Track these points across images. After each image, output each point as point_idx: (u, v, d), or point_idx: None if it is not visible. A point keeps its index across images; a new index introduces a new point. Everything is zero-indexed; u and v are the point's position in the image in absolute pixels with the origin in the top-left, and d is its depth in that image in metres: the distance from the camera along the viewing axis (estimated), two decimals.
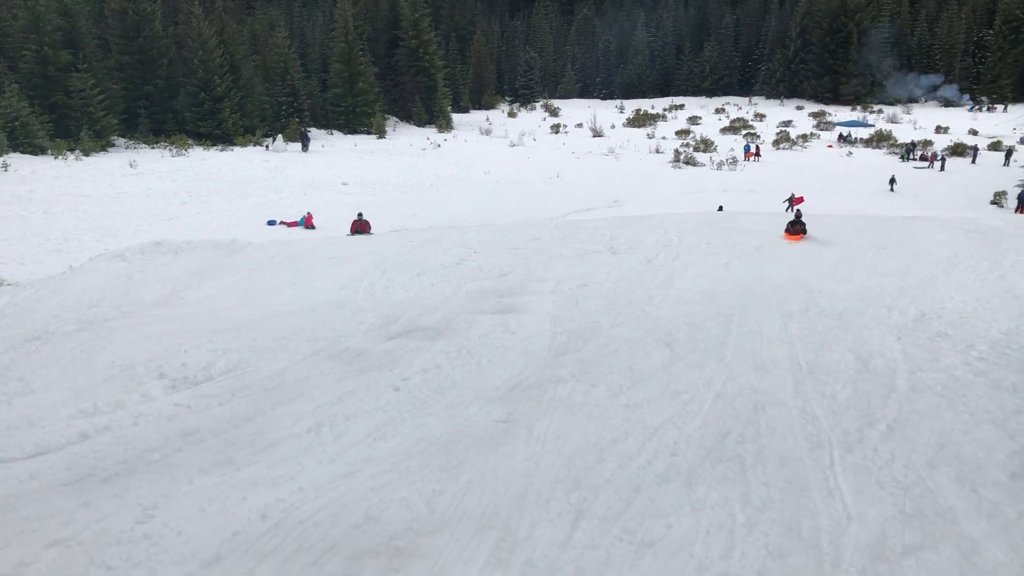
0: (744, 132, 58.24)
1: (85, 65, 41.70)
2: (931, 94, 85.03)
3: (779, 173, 38.77)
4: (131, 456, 5.55)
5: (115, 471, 5.33)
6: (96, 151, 38.98)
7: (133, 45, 45.53)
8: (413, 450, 5.66)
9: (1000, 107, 78.00)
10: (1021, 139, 51.69)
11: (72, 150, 37.40)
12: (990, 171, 39.72)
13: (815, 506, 4.84)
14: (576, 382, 7.06)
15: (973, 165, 41.68)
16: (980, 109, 77.43)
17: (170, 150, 40.62)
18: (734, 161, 41.61)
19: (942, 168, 40.30)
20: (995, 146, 47.85)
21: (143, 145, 43.28)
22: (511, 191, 32.24)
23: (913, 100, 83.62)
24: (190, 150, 41.60)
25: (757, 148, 46.08)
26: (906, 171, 38.87)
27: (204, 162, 37.27)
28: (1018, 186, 30.74)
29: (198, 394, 6.72)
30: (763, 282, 11.30)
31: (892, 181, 33.81)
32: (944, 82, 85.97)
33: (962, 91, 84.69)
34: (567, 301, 10.22)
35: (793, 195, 24.93)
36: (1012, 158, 42.33)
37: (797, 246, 13.88)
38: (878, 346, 8.19)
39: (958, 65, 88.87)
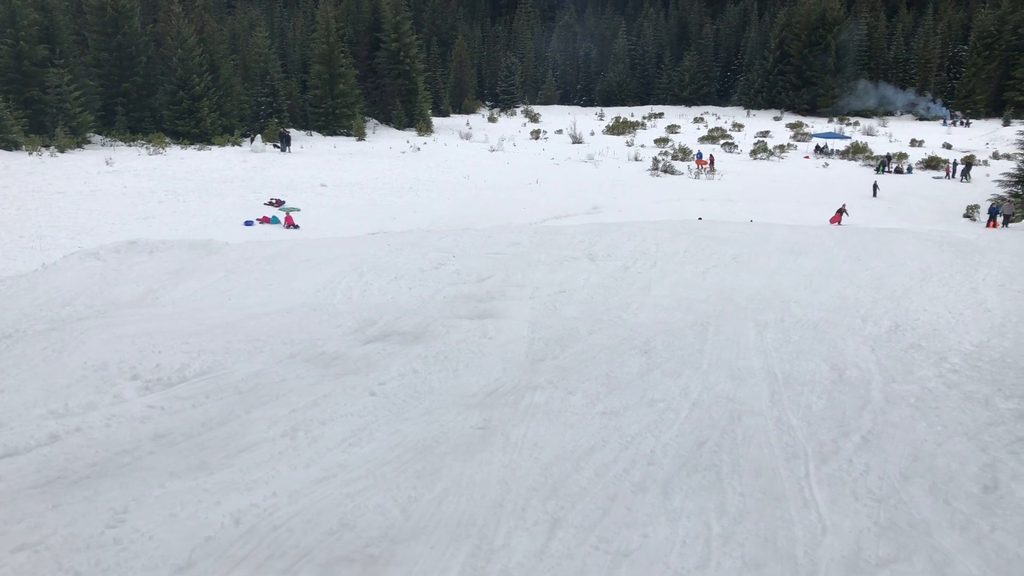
0: (722, 142, 58.79)
1: (62, 61, 41.19)
2: (889, 105, 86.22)
3: (756, 183, 39.15)
4: (102, 459, 5.46)
5: (86, 474, 5.23)
6: (72, 148, 38.51)
7: (111, 42, 45.08)
8: (389, 456, 5.61)
9: (969, 120, 79.44)
10: (994, 153, 52.57)
11: (47, 146, 36.92)
12: (964, 184, 40.54)
13: (791, 517, 4.85)
14: (553, 389, 7.04)
15: (953, 178, 43.13)
16: (954, 123, 78.79)
17: (147, 148, 40.21)
18: (712, 170, 41.99)
19: (962, 179, 41.60)
20: (968, 160, 48.69)
21: (120, 143, 42.82)
22: (490, 196, 32.28)
23: (889, 113, 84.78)
24: (168, 149, 41.19)
25: (711, 157, 46.08)
26: (886, 181, 40.10)
27: (182, 161, 36.92)
28: (989, 200, 31.29)
29: (172, 396, 6.62)
30: (740, 291, 11.37)
31: (876, 187, 36.91)
32: (906, 92, 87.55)
33: (919, 94, 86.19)
34: (545, 307, 10.21)
35: (844, 207, 28.85)
36: (972, 172, 43.37)
37: (772, 256, 14.01)
38: (852, 357, 8.25)
39: (933, 79, 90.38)
